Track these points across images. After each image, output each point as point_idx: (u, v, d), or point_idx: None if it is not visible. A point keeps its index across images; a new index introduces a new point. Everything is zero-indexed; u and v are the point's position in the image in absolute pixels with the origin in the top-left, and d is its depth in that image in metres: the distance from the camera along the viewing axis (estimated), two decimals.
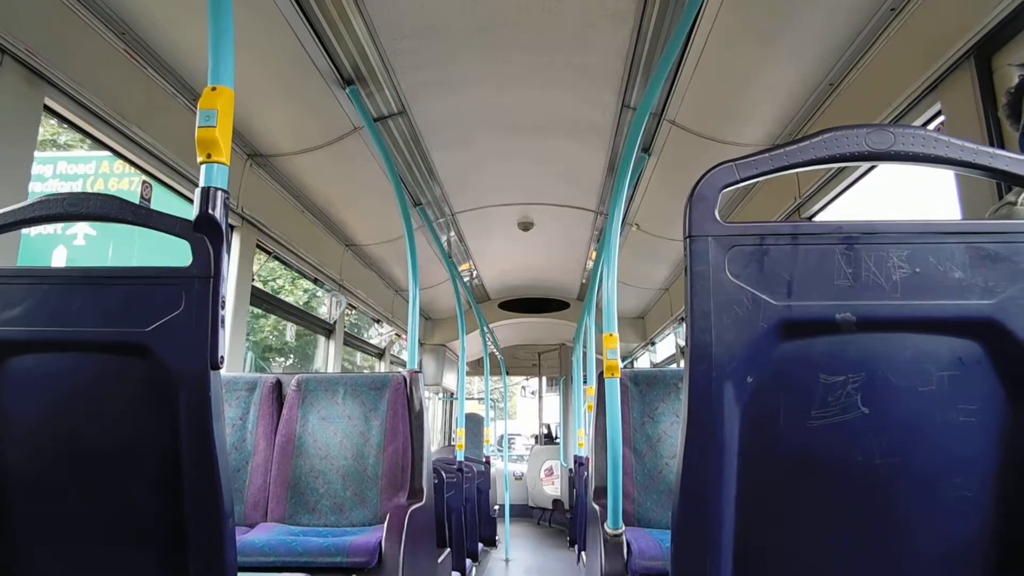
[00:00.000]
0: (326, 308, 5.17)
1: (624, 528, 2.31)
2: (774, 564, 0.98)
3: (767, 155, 0.97)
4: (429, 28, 2.82)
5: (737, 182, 0.98)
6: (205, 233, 1.16)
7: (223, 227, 1.19)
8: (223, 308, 1.17)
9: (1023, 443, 0.90)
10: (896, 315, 0.93)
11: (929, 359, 0.92)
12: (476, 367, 9.98)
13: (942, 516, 0.93)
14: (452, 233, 5.45)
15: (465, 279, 6.59)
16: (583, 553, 4.18)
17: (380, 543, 2.28)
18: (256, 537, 2.31)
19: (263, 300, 4.23)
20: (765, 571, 0.97)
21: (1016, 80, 1.79)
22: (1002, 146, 1.91)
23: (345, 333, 5.48)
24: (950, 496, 0.92)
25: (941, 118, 2.23)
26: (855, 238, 0.94)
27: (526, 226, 5.41)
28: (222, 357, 1.15)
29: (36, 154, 2.20)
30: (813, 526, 0.97)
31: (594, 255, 5.58)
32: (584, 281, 6.92)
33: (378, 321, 6.57)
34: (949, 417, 0.92)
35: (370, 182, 4.12)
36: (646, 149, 3.77)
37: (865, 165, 2.66)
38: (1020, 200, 1.31)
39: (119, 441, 1.19)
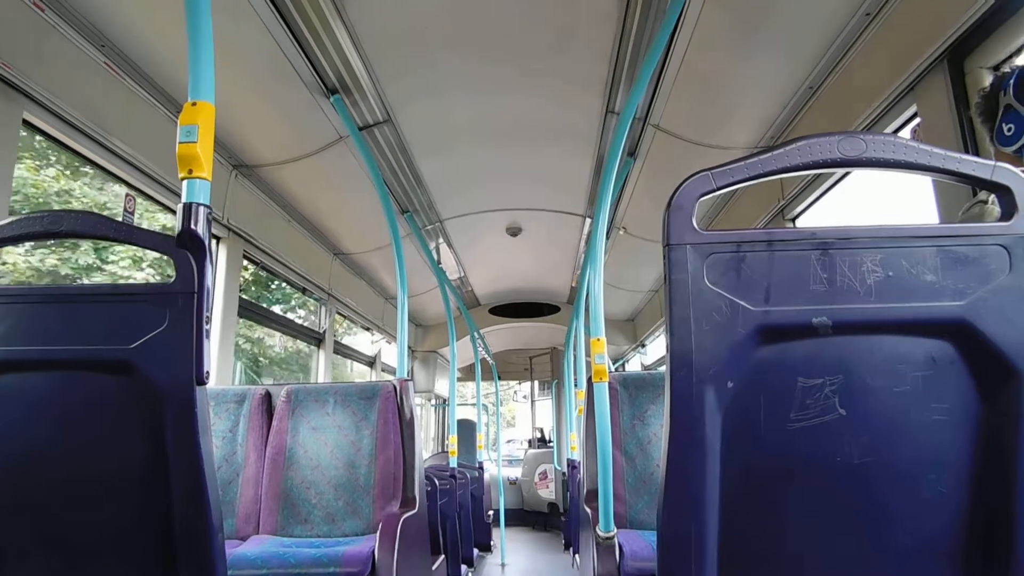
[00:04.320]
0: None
1: (616, 531, 2.32)
2: (758, 564, 0.99)
3: (743, 163, 0.99)
4: (412, 36, 2.83)
5: (713, 191, 0.99)
6: (188, 249, 1.17)
7: (206, 243, 1.20)
8: (208, 323, 1.17)
9: (995, 440, 0.93)
10: (871, 318, 0.95)
11: (903, 360, 0.94)
12: (468, 373, 9.96)
13: (920, 512, 0.95)
14: (440, 240, 5.45)
15: (454, 284, 6.59)
16: (577, 556, 4.19)
17: (373, 552, 2.28)
18: (248, 550, 2.31)
19: (251, 311, 4.21)
20: (749, 570, 0.99)
21: (989, 80, 1.83)
22: (975, 145, 1.94)
23: (335, 342, 5.46)
24: (927, 493, 0.94)
25: (917, 120, 2.27)
26: (830, 244, 0.96)
27: (514, 231, 5.42)
28: (207, 372, 1.15)
29: None
30: (795, 526, 0.98)
31: (583, 259, 5.61)
32: (573, 285, 6.94)
33: (368, 329, 6.55)
34: (924, 416, 0.94)
35: (357, 190, 4.12)
36: (631, 153, 3.79)
37: None
38: (991, 199, 1.34)
39: (104, 459, 1.18)
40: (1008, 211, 0.95)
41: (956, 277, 0.93)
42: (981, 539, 0.93)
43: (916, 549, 0.95)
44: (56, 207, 3.53)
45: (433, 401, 9.56)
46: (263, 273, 4.54)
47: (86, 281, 4.01)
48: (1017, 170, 0.95)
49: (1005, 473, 0.92)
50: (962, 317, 0.93)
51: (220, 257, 3.58)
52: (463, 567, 4.98)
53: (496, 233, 5.47)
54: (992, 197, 1.30)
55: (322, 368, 5.27)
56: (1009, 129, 1.48)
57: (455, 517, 4.69)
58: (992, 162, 0.96)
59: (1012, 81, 1.50)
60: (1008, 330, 0.92)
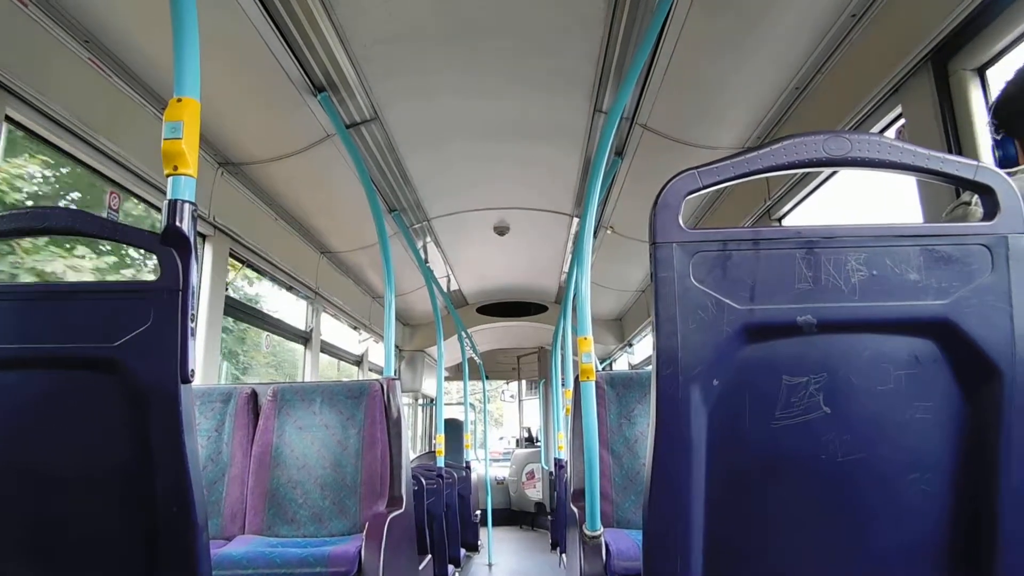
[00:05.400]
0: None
1: (603, 529, 2.33)
2: (743, 562, 1.00)
3: (729, 162, 1.00)
4: (400, 35, 2.82)
5: (700, 189, 1.00)
6: (173, 246, 1.16)
7: (191, 240, 1.19)
8: (193, 321, 1.16)
9: (977, 438, 0.94)
10: (855, 317, 0.96)
11: (887, 359, 0.95)
12: (455, 372, 9.94)
13: (903, 510, 0.96)
14: (428, 238, 5.44)
15: (442, 283, 6.58)
16: (564, 555, 4.19)
17: (359, 552, 2.27)
18: (234, 550, 2.29)
19: (237, 310, 4.18)
20: (734, 567, 0.99)
21: (974, 84, 1.85)
22: (959, 146, 1.97)
23: (321, 341, 5.43)
24: (910, 491, 0.95)
25: (902, 121, 2.30)
26: (815, 242, 0.97)
27: (502, 230, 5.42)
28: (193, 370, 1.15)
29: None
30: (779, 524, 0.99)
31: (570, 258, 5.62)
32: (561, 284, 6.95)
33: (355, 328, 6.53)
34: (907, 415, 0.95)
35: (344, 189, 4.10)
36: (619, 152, 3.80)
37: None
38: (974, 200, 1.35)
39: (87, 458, 1.17)
40: (991, 211, 0.96)
41: (939, 276, 0.94)
42: (964, 537, 0.95)
43: (899, 547, 0.96)
44: None
45: (420, 400, 9.53)
46: None
47: None
48: (1000, 171, 0.96)
49: (987, 471, 0.93)
50: (945, 316, 0.94)
51: (206, 255, 3.55)
52: (450, 567, 4.98)
53: (484, 232, 5.46)
54: (975, 198, 1.31)
55: (309, 367, 5.25)
56: (998, 155, 1.49)
57: (442, 517, 4.69)
58: (975, 162, 0.97)
59: (992, 105, 1.51)
60: (990, 329, 0.93)
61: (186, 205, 1.21)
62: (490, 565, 6.56)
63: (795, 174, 3.03)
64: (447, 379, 8.10)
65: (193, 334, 1.16)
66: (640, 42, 2.53)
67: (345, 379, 6.34)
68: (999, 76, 1.97)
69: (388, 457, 2.79)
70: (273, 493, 2.74)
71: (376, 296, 6.61)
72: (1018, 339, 0.92)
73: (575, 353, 3.04)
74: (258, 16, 2.54)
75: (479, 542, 7.43)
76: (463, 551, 6.25)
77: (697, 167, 0.99)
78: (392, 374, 3.25)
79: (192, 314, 1.16)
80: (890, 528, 0.96)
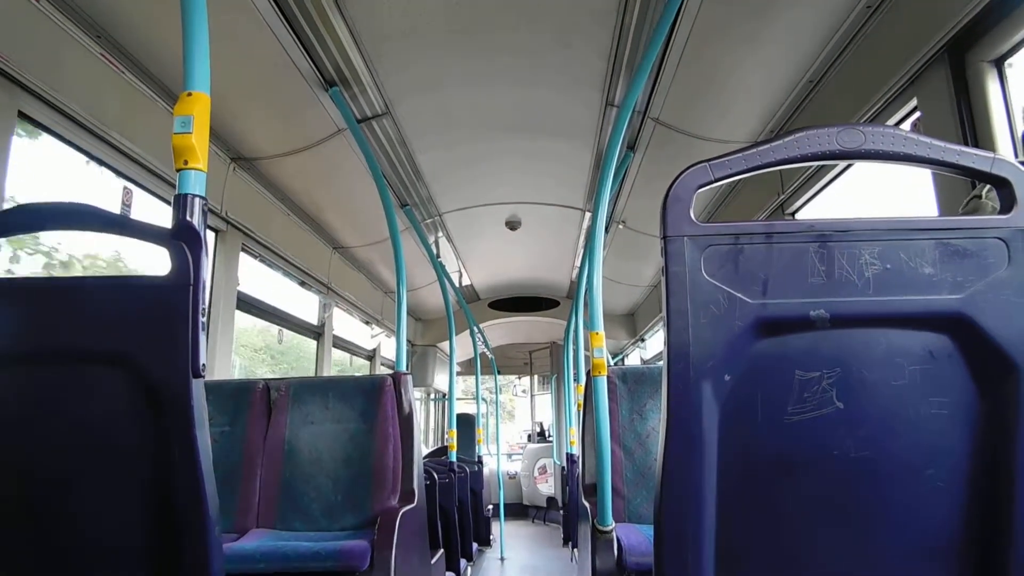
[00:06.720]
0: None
1: (615, 524, 2.33)
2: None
3: (740, 155, 0.99)
4: (411, 29, 2.81)
5: (711, 182, 0.99)
6: (183, 240, 1.16)
7: (201, 234, 1.19)
8: (204, 315, 1.17)
9: (992, 434, 0.92)
10: (869, 311, 0.95)
11: (901, 353, 0.94)
12: (468, 367, 9.96)
13: (917, 507, 0.95)
14: (440, 234, 5.44)
15: (454, 278, 6.58)
16: (576, 550, 4.19)
17: (371, 546, 2.28)
18: (246, 544, 2.31)
19: (249, 304, 4.21)
20: (746, 564, 0.99)
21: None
22: (975, 140, 1.93)
23: (333, 336, 5.46)
24: (924, 487, 0.94)
25: (918, 114, 2.26)
26: (828, 236, 0.96)
27: (513, 225, 5.41)
28: (204, 365, 1.15)
29: None
30: (791, 519, 0.98)
31: (582, 253, 5.60)
32: (573, 279, 6.94)
33: (367, 323, 6.55)
34: (921, 410, 0.94)
35: (356, 184, 4.11)
36: (631, 146, 3.78)
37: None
38: (985, 194, 1.33)
39: (99, 453, 1.18)
40: (1007, 204, 0.95)
41: (954, 270, 0.93)
42: (979, 532, 0.93)
43: (913, 542, 0.95)
44: None
45: (432, 395, 9.56)
46: None
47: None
48: (1017, 163, 0.95)
49: (1003, 467, 0.92)
50: (960, 311, 0.92)
51: (218, 250, 3.57)
52: (462, 561, 4.99)
53: (495, 227, 5.46)
54: (986, 192, 1.30)
55: (322, 362, 5.27)
56: None
57: (454, 511, 4.70)
58: (991, 155, 0.95)
59: None
60: (1006, 324, 0.92)
61: (196, 200, 1.21)
62: (502, 559, 6.58)
63: (809, 168, 3.00)
64: (459, 374, 8.13)
65: (204, 328, 1.16)
66: (652, 35, 2.51)
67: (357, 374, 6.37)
68: (1018, 68, 1.94)
69: (400, 452, 2.80)
70: (286, 487, 2.76)
71: (388, 291, 6.63)
72: None
73: (587, 348, 3.03)
74: (269, 10, 2.54)
75: (491, 536, 7.45)
76: (475, 545, 6.27)
77: (708, 160, 0.98)
78: (405, 369, 3.25)
79: (203, 308, 1.16)
80: (904, 524, 0.95)
